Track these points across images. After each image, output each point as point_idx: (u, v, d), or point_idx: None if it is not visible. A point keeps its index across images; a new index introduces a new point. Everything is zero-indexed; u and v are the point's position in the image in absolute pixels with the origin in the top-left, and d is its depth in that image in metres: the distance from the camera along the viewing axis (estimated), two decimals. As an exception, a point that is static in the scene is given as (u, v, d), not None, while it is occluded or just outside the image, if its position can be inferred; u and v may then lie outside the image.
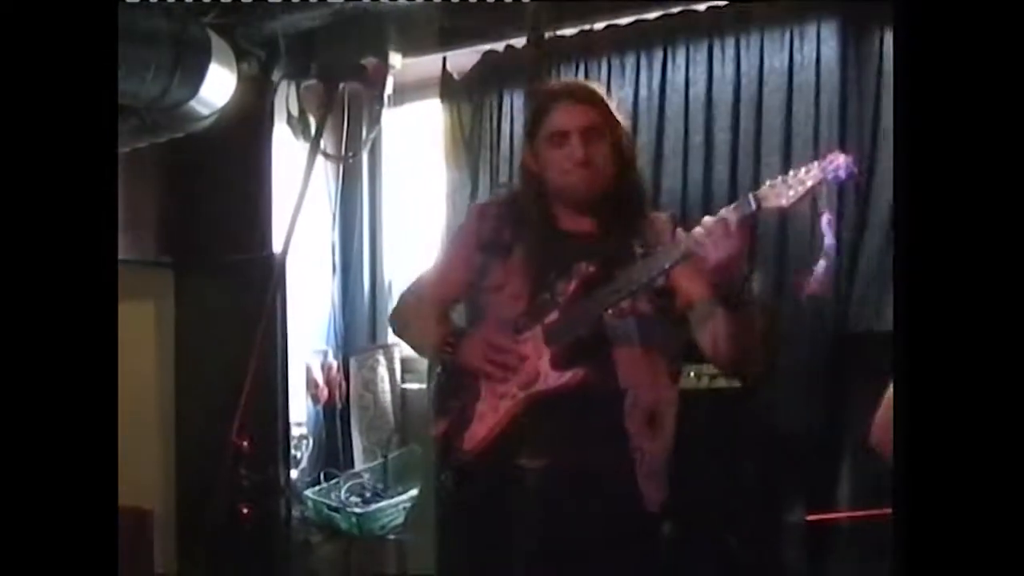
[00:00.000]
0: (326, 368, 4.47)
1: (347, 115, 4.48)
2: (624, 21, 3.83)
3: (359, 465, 4.36)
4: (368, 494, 4.14)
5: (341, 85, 4.25)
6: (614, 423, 2.31)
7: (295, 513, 4.19)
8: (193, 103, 3.88)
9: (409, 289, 2.66)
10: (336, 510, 4.08)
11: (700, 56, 3.66)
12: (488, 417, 2.35)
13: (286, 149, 4.36)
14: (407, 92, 4.45)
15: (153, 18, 3.66)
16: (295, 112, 4.38)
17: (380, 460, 4.27)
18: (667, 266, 2.19)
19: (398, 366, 4.52)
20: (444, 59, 4.23)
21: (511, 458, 2.33)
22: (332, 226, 4.58)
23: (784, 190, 2.06)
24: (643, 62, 3.77)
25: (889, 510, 1.40)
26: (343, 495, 4.13)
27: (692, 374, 3.06)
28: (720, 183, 3.61)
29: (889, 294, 3.34)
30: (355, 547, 4.16)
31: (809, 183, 2.03)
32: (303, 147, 4.34)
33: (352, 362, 4.52)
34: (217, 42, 3.90)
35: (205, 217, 4.51)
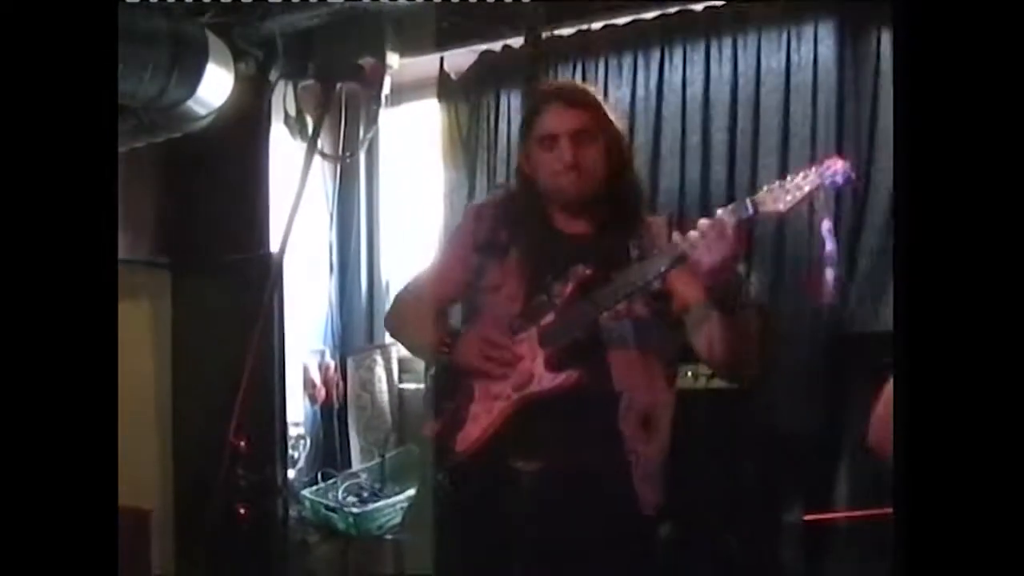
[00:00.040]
0: (323, 368, 4.47)
1: (344, 115, 4.47)
2: (621, 21, 3.82)
3: (356, 465, 4.36)
4: (365, 494, 4.14)
5: (338, 85, 4.24)
6: (609, 426, 2.31)
7: (292, 513, 4.19)
8: (190, 103, 3.88)
9: (405, 289, 2.66)
10: (333, 510, 4.08)
11: (697, 56, 3.66)
12: (482, 418, 2.35)
13: (283, 149, 4.35)
14: (404, 92, 4.45)
15: (150, 18, 3.65)
16: (292, 112, 4.38)
17: (377, 460, 4.27)
18: (663, 270, 2.19)
19: (395, 366, 4.51)
20: (441, 59, 4.23)
21: (505, 460, 2.33)
22: (329, 226, 4.58)
23: (781, 195, 2.05)
24: (640, 62, 3.77)
25: (887, 510, 1.40)
26: (340, 495, 4.12)
27: (689, 374, 3.07)
28: (717, 183, 3.61)
29: (886, 294, 3.34)
30: (352, 547, 4.15)
31: (807, 188, 2.03)
32: (300, 147, 4.34)
33: (349, 362, 4.52)
34: (214, 42, 3.89)
35: (202, 217, 4.50)
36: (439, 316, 2.54)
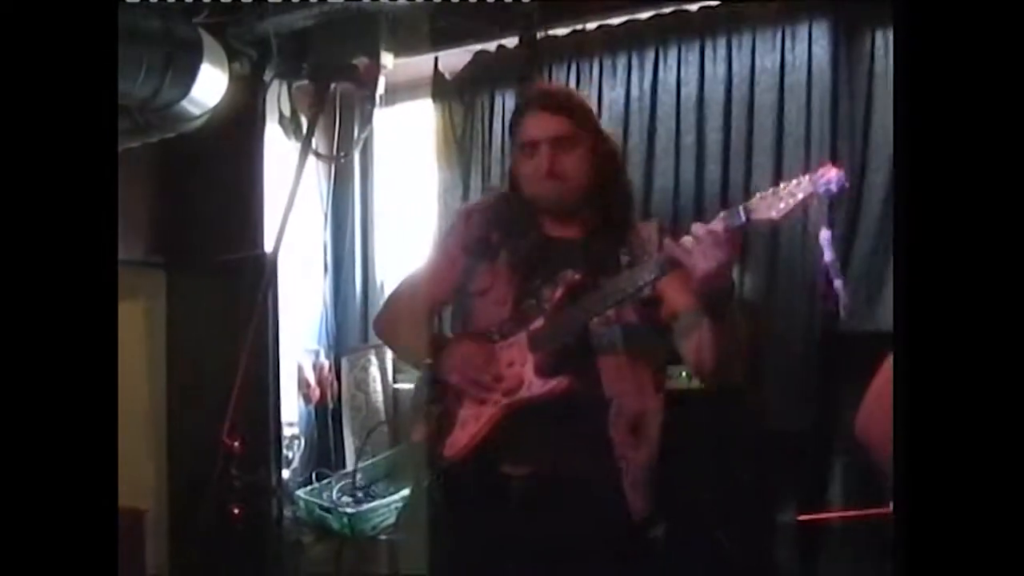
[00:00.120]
0: (318, 368, 4.46)
1: (339, 115, 4.47)
2: (616, 21, 3.82)
3: (351, 465, 4.36)
4: (360, 494, 4.13)
5: (333, 85, 4.24)
6: (598, 432, 2.30)
7: (287, 513, 4.19)
8: (185, 103, 3.87)
9: (395, 293, 2.65)
10: (328, 510, 4.08)
11: (692, 56, 3.66)
12: (470, 424, 2.34)
13: (278, 149, 4.34)
14: (399, 92, 4.44)
15: (145, 18, 3.65)
16: (287, 112, 4.37)
17: (371, 460, 4.26)
18: (653, 277, 2.18)
19: (390, 366, 4.51)
20: (436, 59, 4.23)
21: (494, 465, 2.33)
22: (324, 226, 4.58)
23: (775, 202, 2.03)
24: (635, 62, 3.77)
25: (880, 510, 1.40)
26: (335, 495, 4.12)
27: (684, 374, 3.06)
28: (712, 183, 3.61)
29: (880, 293, 3.35)
30: (347, 547, 4.15)
31: (800, 195, 2.01)
32: (295, 147, 4.33)
33: (344, 362, 4.51)
34: (209, 42, 3.89)
35: (197, 217, 4.50)
36: (428, 322, 2.53)
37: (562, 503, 2.28)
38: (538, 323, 2.32)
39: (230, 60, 4.04)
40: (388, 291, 3.27)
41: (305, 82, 4.30)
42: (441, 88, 4.25)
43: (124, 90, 3.64)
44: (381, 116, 4.42)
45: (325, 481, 4.24)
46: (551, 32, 3.88)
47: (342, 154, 4.53)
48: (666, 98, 3.71)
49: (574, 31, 3.90)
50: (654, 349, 2.38)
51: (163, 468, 4.57)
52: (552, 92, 2.67)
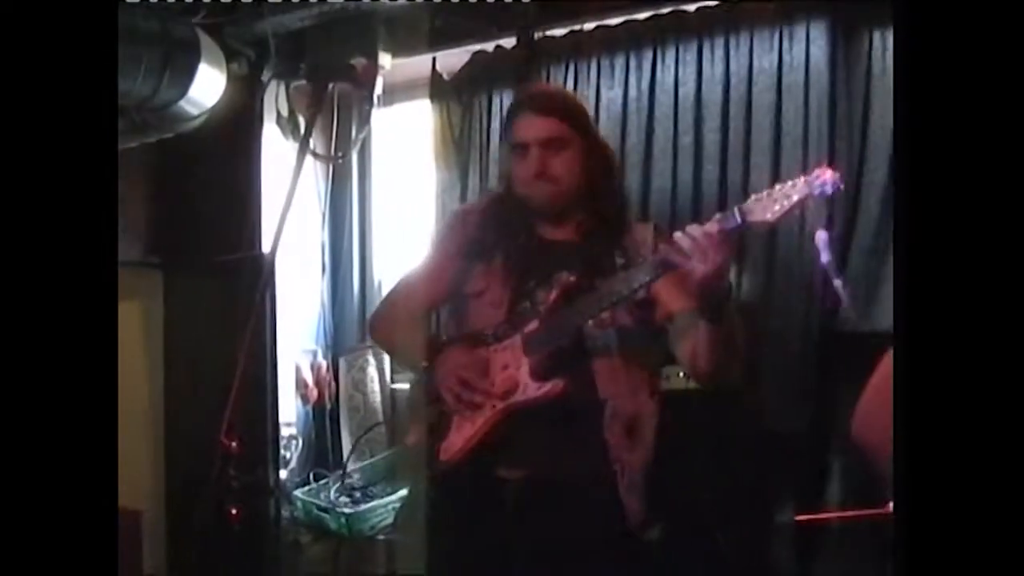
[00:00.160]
0: (315, 368, 4.46)
1: (336, 115, 4.47)
2: (614, 21, 3.82)
3: (350, 466, 4.35)
4: (357, 494, 4.13)
5: (331, 85, 4.25)
6: (594, 434, 2.30)
7: (284, 513, 4.18)
8: (182, 103, 3.87)
9: (390, 294, 2.65)
10: (325, 510, 4.08)
11: (690, 56, 3.66)
12: (466, 427, 2.34)
13: (275, 149, 4.34)
14: (396, 92, 4.44)
15: (143, 18, 3.65)
16: (285, 112, 4.37)
17: (370, 460, 4.26)
18: (648, 279, 2.18)
19: (388, 366, 4.51)
20: (434, 59, 4.22)
21: (490, 468, 2.32)
22: (321, 226, 4.58)
23: (770, 204, 2.03)
24: (632, 63, 3.77)
25: (878, 510, 1.40)
26: (332, 495, 4.12)
27: (681, 374, 3.06)
28: (709, 183, 3.61)
29: (878, 293, 3.34)
30: (344, 547, 4.15)
31: (795, 197, 2.01)
32: (293, 147, 4.33)
33: (342, 362, 4.51)
34: (206, 42, 3.88)
35: (194, 217, 4.49)
36: (422, 324, 2.53)
37: (558, 506, 2.27)
38: (533, 325, 2.31)
39: (228, 60, 4.03)
40: (386, 291, 3.27)
41: (303, 82, 4.30)
42: (439, 88, 4.25)
43: (122, 90, 3.64)
44: (379, 116, 4.42)
45: (323, 481, 4.24)
46: (549, 32, 3.88)
47: (340, 154, 4.53)
48: (664, 98, 3.71)
49: (572, 31, 3.90)
50: (649, 351, 2.38)
51: (160, 468, 4.56)
52: (544, 93, 2.66)
